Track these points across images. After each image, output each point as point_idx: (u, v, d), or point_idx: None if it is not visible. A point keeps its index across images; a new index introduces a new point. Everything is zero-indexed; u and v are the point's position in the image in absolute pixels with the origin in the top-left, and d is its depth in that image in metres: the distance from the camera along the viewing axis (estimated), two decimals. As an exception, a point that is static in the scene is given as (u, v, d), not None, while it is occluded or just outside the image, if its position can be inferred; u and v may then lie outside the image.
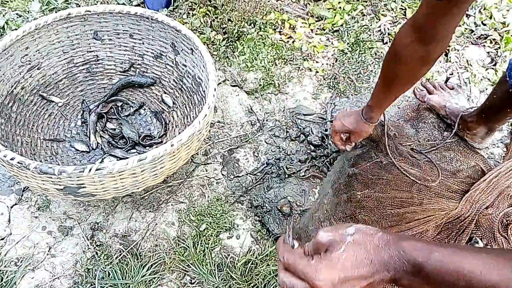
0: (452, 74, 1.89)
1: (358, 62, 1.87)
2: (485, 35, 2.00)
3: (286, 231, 0.68)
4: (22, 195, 1.49)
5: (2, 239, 1.40)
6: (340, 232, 0.62)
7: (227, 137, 1.68)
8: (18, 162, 1.12)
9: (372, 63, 1.88)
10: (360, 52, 1.90)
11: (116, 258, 1.37)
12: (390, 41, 1.97)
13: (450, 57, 1.92)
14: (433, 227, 1.45)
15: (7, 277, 1.32)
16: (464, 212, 1.47)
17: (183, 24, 1.56)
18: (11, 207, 1.46)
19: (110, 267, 1.35)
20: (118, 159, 1.54)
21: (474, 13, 2.04)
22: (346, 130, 1.46)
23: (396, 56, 1.16)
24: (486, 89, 1.85)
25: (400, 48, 1.13)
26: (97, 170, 1.13)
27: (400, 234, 0.64)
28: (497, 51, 1.94)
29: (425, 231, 1.45)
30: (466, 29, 2.00)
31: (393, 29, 1.99)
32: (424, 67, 1.16)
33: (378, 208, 1.47)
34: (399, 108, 1.78)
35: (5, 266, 1.34)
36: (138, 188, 1.30)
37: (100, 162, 1.51)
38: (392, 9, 2.05)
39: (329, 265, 0.59)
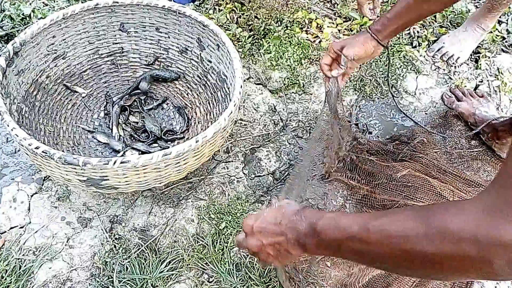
0: (482, 81, 1.84)
1: (386, 65, 1.83)
2: (517, 43, 1.95)
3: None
4: (42, 184, 1.48)
5: (22, 227, 1.40)
6: (273, 201, 0.89)
7: (250, 135, 1.66)
8: (42, 152, 1.11)
9: (400, 67, 1.84)
10: (388, 55, 1.86)
11: (134, 253, 1.36)
12: (419, 45, 1.92)
13: (480, 64, 1.87)
14: None
15: (25, 266, 1.31)
16: None
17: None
18: (31, 196, 1.46)
19: (128, 261, 1.33)
20: (140, 152, 1.52)
21: (507, 20, 1.99)
22: (343, 44, 1.23)
23: None
24: (517, 98, 1.80)
25: None
26: (121, 163, 1.11)
27: (307, 207, 0.83)
28: (529, 60, 1.89)
29: None
30: (498, 36, 1.95)
31: (423, 32, 1.95)
32: None
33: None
34: (426, 114, 1.74)
35: (23, 255, 1.34)
36: (160, 183, 1.29)
37: (122, 155, 1.51)
38: (422, 13, 2.00)
39: (255, 217, 0.84)
